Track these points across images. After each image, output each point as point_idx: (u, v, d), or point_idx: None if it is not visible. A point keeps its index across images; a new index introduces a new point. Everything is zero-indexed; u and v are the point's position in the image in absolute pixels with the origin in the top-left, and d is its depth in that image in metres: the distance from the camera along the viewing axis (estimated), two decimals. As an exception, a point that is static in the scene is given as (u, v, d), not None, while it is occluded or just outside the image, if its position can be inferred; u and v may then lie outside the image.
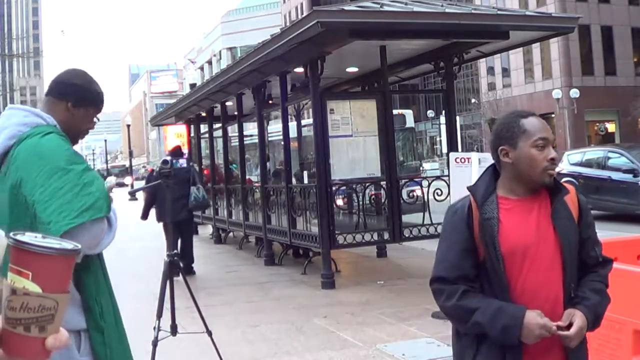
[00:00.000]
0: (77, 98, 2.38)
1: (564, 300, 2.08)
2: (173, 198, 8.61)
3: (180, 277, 5.16)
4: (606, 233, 11.59)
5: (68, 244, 0.92)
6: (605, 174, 14.18)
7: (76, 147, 2.41)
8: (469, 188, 2.19)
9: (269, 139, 15.39)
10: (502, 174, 2.20)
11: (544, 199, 2.16)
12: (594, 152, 15.67)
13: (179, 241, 9.72)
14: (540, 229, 2.09)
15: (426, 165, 30.41)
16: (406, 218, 9.21)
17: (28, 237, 0.89)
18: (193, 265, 9.92)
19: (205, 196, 7.45)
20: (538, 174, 2.13)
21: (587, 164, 14.91)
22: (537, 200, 2.16)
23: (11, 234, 0.89)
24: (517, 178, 2.16)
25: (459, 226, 2.13)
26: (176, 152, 10.20)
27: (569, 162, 15.44)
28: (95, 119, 2.48)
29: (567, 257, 2.10)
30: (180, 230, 9.60)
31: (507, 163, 2.16)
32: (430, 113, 49.12)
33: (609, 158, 14.49)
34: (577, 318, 2.03)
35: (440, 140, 47.56)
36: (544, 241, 2.08)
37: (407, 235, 8.84)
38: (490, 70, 47.90)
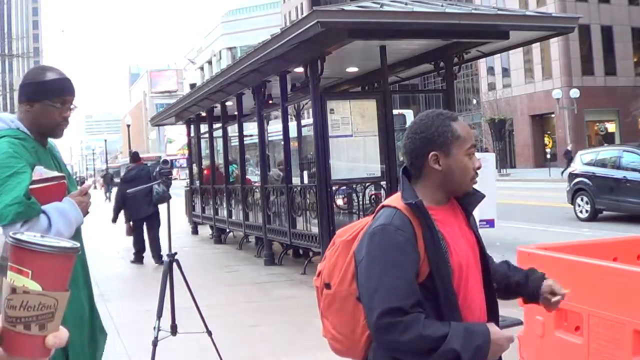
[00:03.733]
0: (27, 95, 2.37)
1: (486, 307, 2.05)
2: (130, 194, 9.67)
3: (180, 276, 5.16)
4: (609, 233, 11.61)
5: (67, 243, 0.92)
6: (620, 173, 13.95)
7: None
8: (409, 203, 1.91)
9: (269, 139, 15.39)
10: (422, 181, 2.01)
11: (456, 205, 2.07)
12: (608, 152, 15.42)
13: (146, 234, 11.21)
14: (467, 238, 2.03)
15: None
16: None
17: (27, 236, 0.90)
18: (162, 254, 10.84)
19: (166, 189, 8.34)
20: (468, 183, 2.01)
21: (601, 163, 14.68)
22: (453, 207, 2.05)
23: (10, 233, 0.90)
24: (442, 186, 2.00)
25: (406, 247, 1.86)
26: (135, 156, 11.91)
27: (582, 161, 15.23)
28: (64, 106, 2.39)
29: (486, 263, 2.08)
30: (148, 224, 11.10)
31: (435, 170, 1.97)
32: (430, 113, 49.04)
33: (623, 157, 14.18)
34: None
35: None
36: (472, 250, 2.02)
37: None
38: (490, 70, 47.88)
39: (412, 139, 2.01)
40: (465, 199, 2.07)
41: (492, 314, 2.04)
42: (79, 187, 2.52)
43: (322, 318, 2.15)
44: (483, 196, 2.10)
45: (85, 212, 2.38)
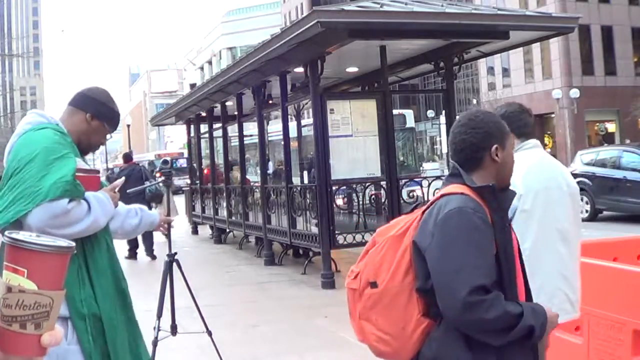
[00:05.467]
0: (97, 111, 2.65)
1: None
2: (130, 194, 10.06)
3: (180, 275, 5.16)
4: (609, 233, 11.61)
5: (62, 242, 0.92)
6: (619, 173, 13.94)
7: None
8: (484, 186, 2.02)
9: (269, 139, 15.39)
10: (478, 174, 2.09)
11: None
12: (608, 152, 15.41)
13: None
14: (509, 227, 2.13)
15: (426, 165, 30.40)
16: (406, 218, 9.18)
17: (23, 235, 0.90)
18: (154, 250, 11.72)
19: (158, 187, 8.83)
20: (511, 175, 2.17)
21: (601, 163, 14.67)
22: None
23: (6, 233, 0.90)
24: (496, 178, 2.10)
25: (484, 228, 1.93)
26: (127, 157, 12.44)
27: (582, 162, 15.20)
28: (108, 136, 2.76)
29: (520, 253, 2.18)
30: None
31: (494, 162, 2.09)
32: (430, 113, 49.12)
33: (623, 157, 14.18)
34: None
35: (440, 140, 47.57)
36: (514, 239, 2.13)
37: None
38: (490, 70, 47.86)
39: (471, 134, 2.10)
40: (502, 195, 2.15)
41: (528, 299, 2.14)
42: None
43: (360, 321, 2.10)
44: (515, 193, 2.23)
45: (115, 207, 2.62)
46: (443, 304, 1.91)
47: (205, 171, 15.90)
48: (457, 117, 2.23)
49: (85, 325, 2.34)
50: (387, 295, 2.02)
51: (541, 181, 2.92)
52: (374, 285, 2.05)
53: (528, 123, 3.06)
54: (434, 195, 2.23)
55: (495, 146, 2.08)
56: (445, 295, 1.89)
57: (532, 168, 2.94)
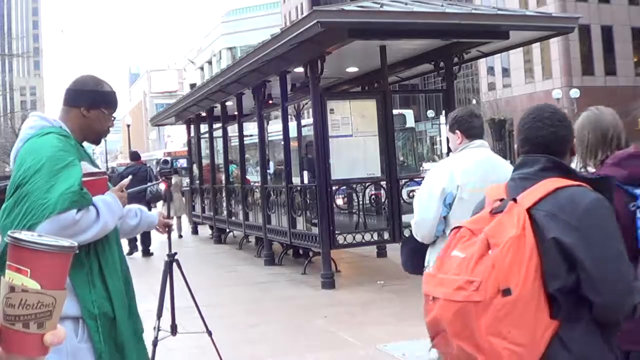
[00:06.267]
0: (89, 101, 2.59)
1: None
2: (130, 193, 10.22)
3: (180, 274, 5.16)
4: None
5: (65, 242, 0.92)
6: None
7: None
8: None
9: (269, 139, 15.39)
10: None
11: None
12: None
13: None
14: None
15: (426, 165, 30.35)
16: (406, 218, 9.18)
17: (25, 234, 0.90)
18: (150, 248, 12.18)
19: (159, 189, 9.05)
20: None
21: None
22: None
23: (9, 232, 0.90)
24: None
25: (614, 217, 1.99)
26: (134, 156, 12.72)
27: None
28: (112, 117, 2.69)
29: None
30: None
31: (572, 156, 2.14)
32: (430, 113, 49.11)
33: None
34: None
35: (440, 140, 47.55)
36: None
37: (407, 235, 8.82)
38: (490, 70, 47.84)
39: (560, 127, 2.08)
40: None
41: None
42: None
43: (488, 337, 1.85)
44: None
45: (123, 206, 2.62)
46: (605, 294, 1.85)
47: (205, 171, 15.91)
48: (533, 111, 2.14)
49: (97, 325, 2.37)
50: (522, 301, 1.84)
51: (480, 174, 3.41)
52: (507, 292, 1.83)
53: (475, 126, 3.62)
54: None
55: (574, 140, 2.14)
56: (611, 283, 1.85)
57: (479, 163, 3.49)
